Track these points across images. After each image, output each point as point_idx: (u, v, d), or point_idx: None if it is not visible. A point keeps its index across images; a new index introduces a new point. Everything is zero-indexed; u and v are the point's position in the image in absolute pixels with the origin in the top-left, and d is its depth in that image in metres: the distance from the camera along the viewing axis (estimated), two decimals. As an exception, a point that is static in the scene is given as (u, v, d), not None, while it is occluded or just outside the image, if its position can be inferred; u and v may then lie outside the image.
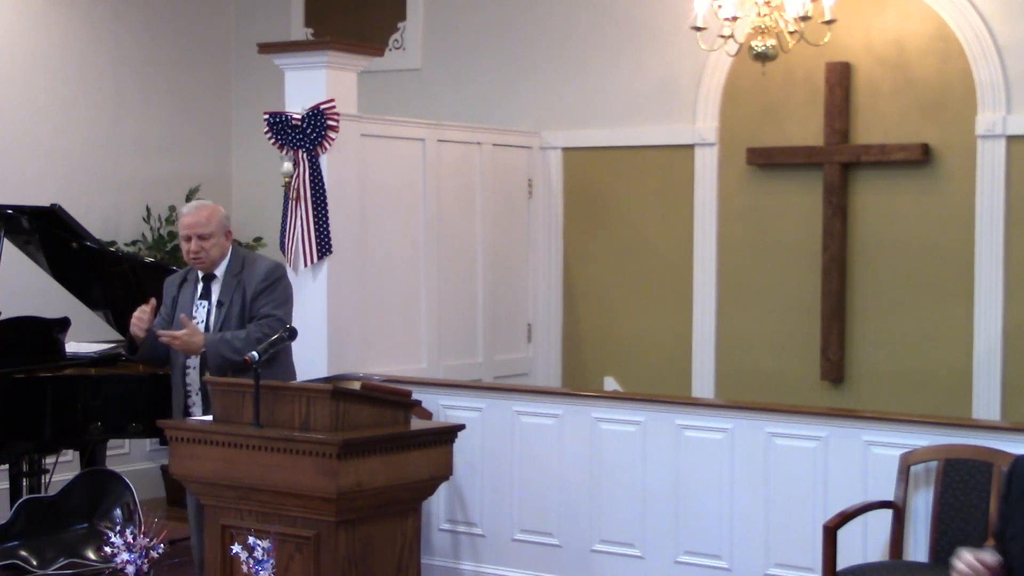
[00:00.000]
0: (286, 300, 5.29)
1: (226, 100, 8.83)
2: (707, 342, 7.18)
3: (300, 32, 8.51)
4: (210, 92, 8.74)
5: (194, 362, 5.21)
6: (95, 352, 6.67)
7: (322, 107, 6.17)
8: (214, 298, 5.26)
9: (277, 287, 5.25)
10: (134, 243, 8.15)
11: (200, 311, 5.27)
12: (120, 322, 6.75)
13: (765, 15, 6.31)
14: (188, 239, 5.26)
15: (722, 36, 6.42)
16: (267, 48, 6.49)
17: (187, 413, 5.23)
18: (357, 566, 4.39)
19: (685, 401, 6.05)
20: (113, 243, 7.81)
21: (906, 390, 6.57)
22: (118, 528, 4.11)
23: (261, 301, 5.20)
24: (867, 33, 6.74)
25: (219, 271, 5.28)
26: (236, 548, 3.98)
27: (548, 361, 7.58)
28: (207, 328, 5.20)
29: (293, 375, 5.38)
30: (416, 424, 4.74)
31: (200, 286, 5.31)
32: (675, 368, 7.23)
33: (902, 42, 6.68)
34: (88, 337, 7.00)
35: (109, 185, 8.15)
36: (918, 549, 5.03)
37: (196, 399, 5.22)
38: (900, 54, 6.68)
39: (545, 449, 5.92)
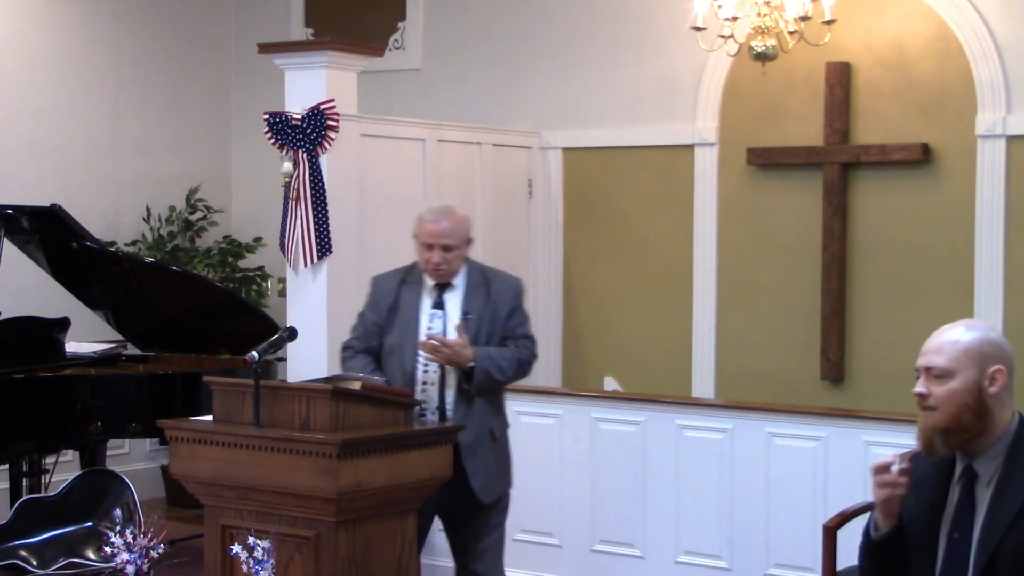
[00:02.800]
0: (528, 317, 4.90)
1: (226, 100, 8.84)
2: (707, 342, 7.19)
3: (300, 32, 8.51)
4: (210, 92, 8.74)
5: (432, 377, 4.72)
6: (95, 352, 6.66)
7: (322, 107, 6.17)
8: (452, 309, 4.74)
9: (524, 305, 4.87)
10: (134, 243, 8.16)
11: (436, 322, 4.74)
12: (120, 322, 6.76)
13: (765, 15, 6.32)
14: (429, 247, 4.69)
15: (722, 36, 6.42)
16: (267, 48, 6.49)
17: None
18: (357, 566, 4.39)
19: (685, 401, 6.05)
20: (113, 243, 7.82)
21: (906, 390, 6.48)
22: (118, 528, 4.11)
23: (515, 319, 4.78)
24: (867, 33, 6.74)
25: (457, 281, 4.76)
26: (236, 548, 3.98)
27: (548, 361, 7.58)
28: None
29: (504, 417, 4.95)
30: (416, 424, 4.74)
31: (432, 293, 4.78)
32: (675, 368, 7.23)
33: (902, 42, 6.68)
34: (88, 337, 7.00)
35: (109, 185, 8.15)
36: (918, 549, 5.03)
37: (433, 419, 4.70)
38: (900, 54, 6.69)
39: (545, 449, 5.92)
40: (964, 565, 3.04)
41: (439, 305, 4.75)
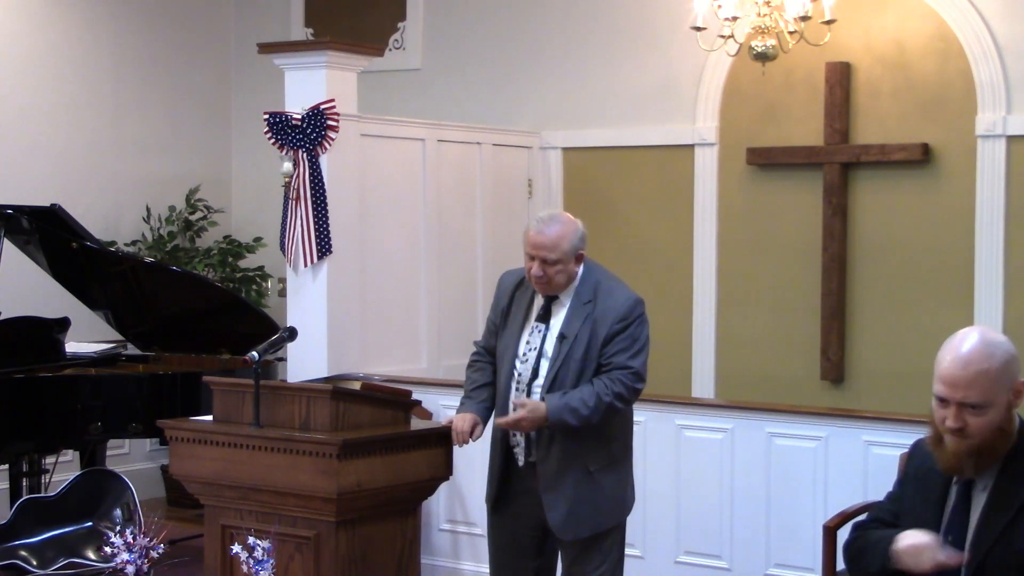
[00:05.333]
0: (644, 346, 4.38)
1: (226, 100, 8.84)
2: (707, 342, 7.18)
3: (300, 32, 8.51)
4: (210, 92, 8.74)
5: (521, 398, 4.37)
6: (95, 352, 6.67)
7: (322, 107, 6.17)
8: (555, 326, 4.37)
9: (636, 330, 4.37)
10: (134, 243, 8.16)
11: (534, 336, 4.39)
12: (120, 322, 6.76)
13: (765, 15, 6.32)
14: (531, 258, 4.34)
15: (722, 36, 6.42)
16: (267, 48, 6.49)
17: (509, 455, 4.46)
18: (357, 566, 4.39)
19: (685, 401, 6.05)
20: (113, 243, 7.82)
21: (906, 390, 6.57)
22: (118, 528, 4.11)
23: (616, 345, 4.31)
24: (867, 33, 6.74)
25: (564, 294, 4.39)
26: (236, 548, 3.98)
27: (548, 361, 7.57)
28: (539, 356, 4.34)
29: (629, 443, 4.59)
30: (416, 424, 4.74)
31: (540, 304, 4.43)
32: (675, 368, 7.22)
33: (902, 42, 6.68)
34: (88, 337, 7.00)
35: (109, 185, 8.15)
36: (918, 549, 5.02)
37: (520, 439, 4.41)
38: (900, 54, 6.69)
39: (545, 449, 5.91)
40: (956, 569, 3.02)
41: (544, 318, 4.40)
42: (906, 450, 4.97)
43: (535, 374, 4.36)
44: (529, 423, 4.26)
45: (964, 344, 3.04)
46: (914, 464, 3.25)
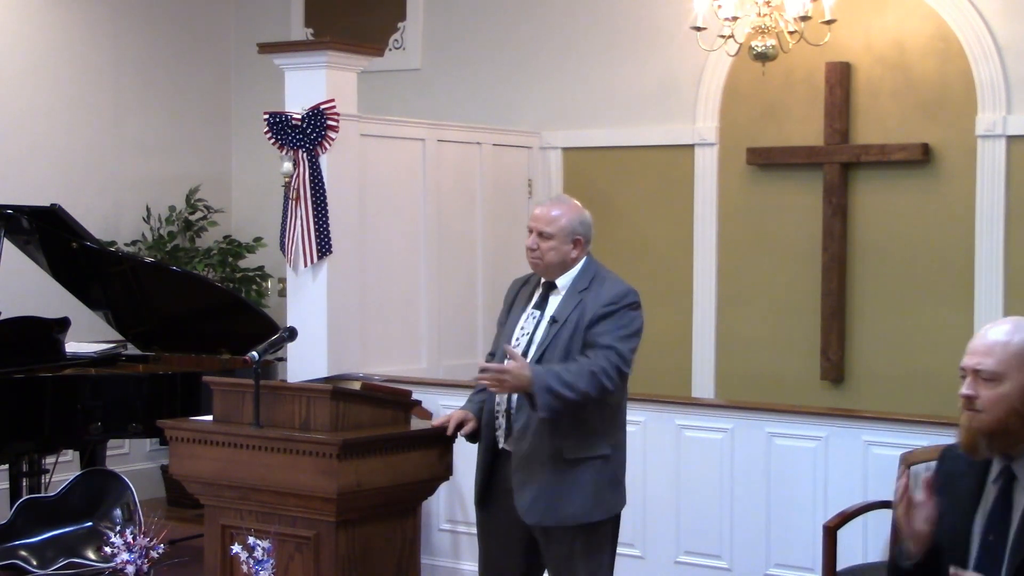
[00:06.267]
0: (632, 333, 4.36)
1: (226, 100, 8.84)
2: (707, 342, 7.18)
3: (300, 32, 8.51)
4: (210, 92, 8.75)
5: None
6: (95, 352, 6.67)
7: (322, 107, 6.17)
8: (548, 311, 4.37)
9: (624, 316, 4.35)
10: (134, 243, 8.16)
11: (528, 322, 4.40)
12: (120, 322, 6.76)
13: (765, 15, 6.32)
14: (530, 231, 4.41)
15: (722, 36, 6.42)
16: (267, 48, 6.49)
17: (494, 443, 4.40)
18: (357, 566, 4.39)
19: (685, 401, 6.05)
20: (113, 243, 7.82)
21: (906, 390, 6.57)
22: (118, 528, 4.11)
23: (601, 328, 4.28)
24: (867, 33, 6.74)
25: (561, 282, 4.39)
26: (236, 548, 3.98)
27: (548, 361, 7.57)
28: (529, 342, 4.33)
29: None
30: (416, 424, 4.73)
31: (539, 293, 4.45)
32: (675, 368, 7.22)
33: (902, 42, 6.68)
34: (88, 337, 7.00)
35: (109, 185, 8.16)
36: (918, 549, 5.02)
37: (502, 421, 4.37)
38: (900, 54, 6.69)
39: (545, 449, 5.91)
40: (997, 569, 2.98)
41: (540, 305, 4.41)
42: (906, 450, 5.01)
43: (524, 357, 4.29)
44: (513, 379, 4.13)
45: (996, 323, 3.08)
46: (944, 471, 3.21)
